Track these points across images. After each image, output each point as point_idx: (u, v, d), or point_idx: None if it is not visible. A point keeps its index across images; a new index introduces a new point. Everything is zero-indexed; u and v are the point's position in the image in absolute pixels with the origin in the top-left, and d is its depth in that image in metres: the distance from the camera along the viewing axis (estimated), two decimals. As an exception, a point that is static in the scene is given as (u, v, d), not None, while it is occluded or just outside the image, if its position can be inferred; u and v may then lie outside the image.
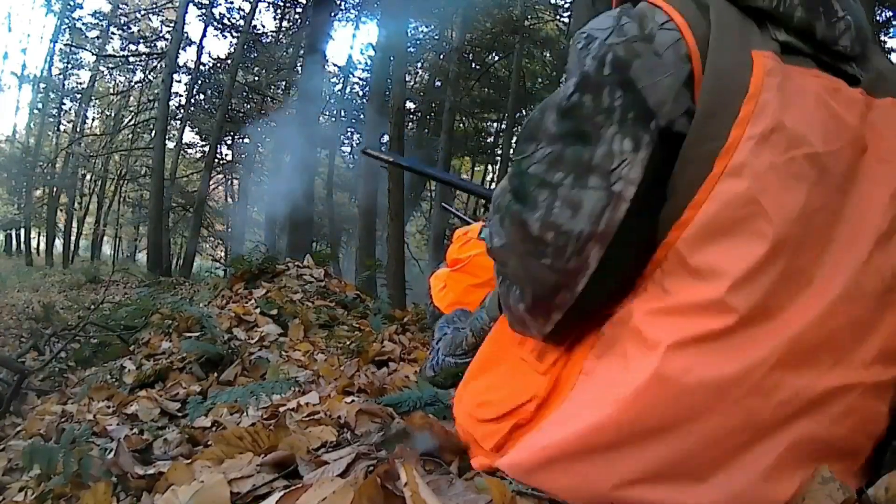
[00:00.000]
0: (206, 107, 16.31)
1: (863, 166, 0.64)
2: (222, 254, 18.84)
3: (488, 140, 17.20)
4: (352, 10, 15.60)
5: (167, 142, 15.51)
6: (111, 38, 18.20)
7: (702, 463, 0.58)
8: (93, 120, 21.89)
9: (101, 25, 17.69)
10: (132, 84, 18.60)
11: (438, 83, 15.09)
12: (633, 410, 0.60)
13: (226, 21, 15.99)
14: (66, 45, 18.38)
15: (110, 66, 18.53)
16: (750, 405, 0.58)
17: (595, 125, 0.63)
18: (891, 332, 0.63)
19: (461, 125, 14.71)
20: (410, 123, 14.94)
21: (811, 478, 0.59)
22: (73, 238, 21.66)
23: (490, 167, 18.79)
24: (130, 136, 19.38)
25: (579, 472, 0.62)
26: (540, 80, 15.40)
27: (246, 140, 16.60)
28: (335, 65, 16.42)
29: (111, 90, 20.00)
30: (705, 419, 0.58)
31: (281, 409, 1.26)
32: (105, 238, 23.01)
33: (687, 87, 0.62)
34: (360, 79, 16.71)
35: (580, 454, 0.62)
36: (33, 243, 21.82)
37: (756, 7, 0.65)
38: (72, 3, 16.89)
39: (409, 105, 14.43)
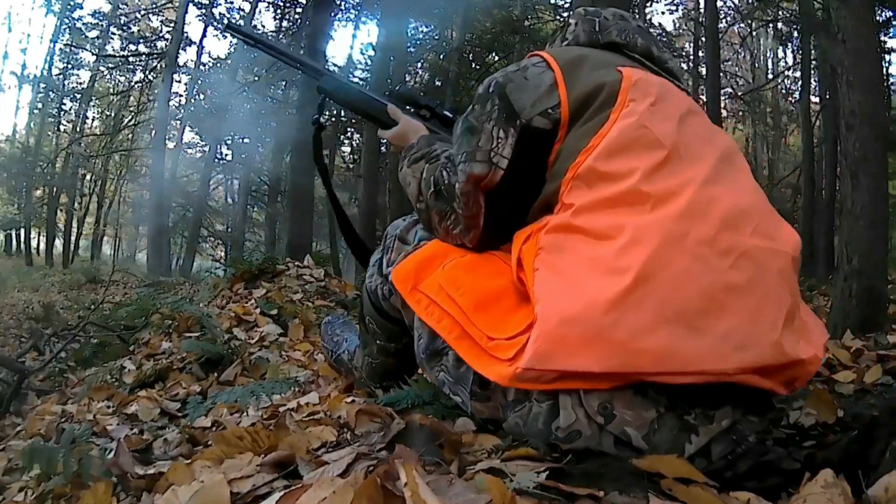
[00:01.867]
0: (206, 107, 16.32)
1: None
2: (222, 254, 18.84)
3: (488, 140, 17.17)
4: (352, 10, 15.60)
5: (167, 142, 15.52)
6: (111, 38, 18.19)
7: (695, 309, 0.74)
8: (93, 120, 21.89)
9: (101, 25, 17.69)
10: (132, 84, 18.60)
11: (438, 83, 15.09)
12: (622, 275, 0.76)
13: (226, 21, 15.99)
14: (66, 45, 18.38)
15: (110, 66, 18.52)
16: (700, 252, 0.77)
17: (480, 122, 0.97)
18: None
19: (461, 125, 14.67)
20: (410, 123, 14.88)
21: (814, 482, 0.59)
22: (73, 238, 21.66)
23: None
24: (130, 136, 19.38)
25: (595, 336, 0.74)
26: (540, 80, 15.39)
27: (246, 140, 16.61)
28: (335, 65, 16.42)
29: (111, 90, 20.00)
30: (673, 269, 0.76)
31: (281, 409, 1.26)
32: (105, 238, 23.01)
33: (546, 96, 0.93)
34: (360, 79, 16.72)
35: (589, 322, 0.75)
36: (33, 243, 21.83)
37: (613, 42, 1.04)
38: (72, 3, 16.89)
39: (409, 105, 14.38)
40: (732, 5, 12.18)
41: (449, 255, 1.02)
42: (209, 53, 17.77)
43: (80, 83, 19.74)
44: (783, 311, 0.77)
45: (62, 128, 20.32)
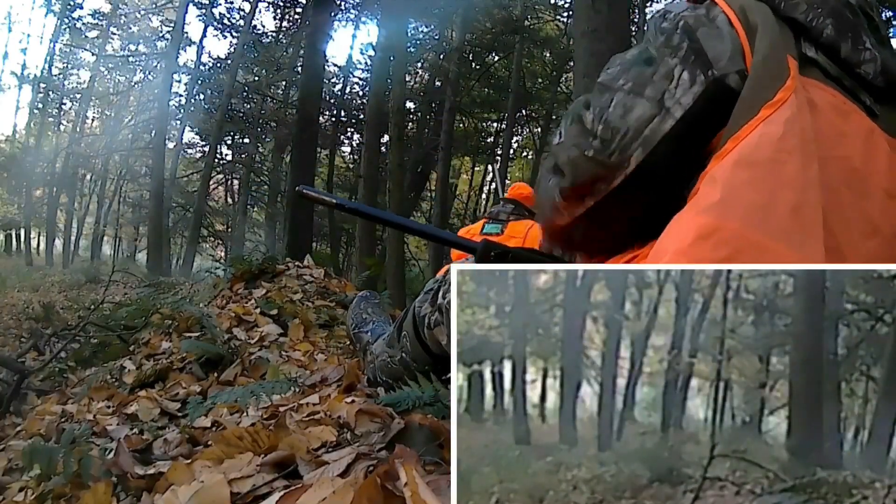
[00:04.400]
0: (206, 107, 16.33)
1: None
2: (222, 254, 18.85)
3: (488, 140, 17.21)
4: (352, 10, 15.62)
5: (167, 142, 15.53)
6: (111, 38, 18.21)
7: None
8: (93, 120, 21.91)
9: (101, 25, 17.71)
10: (132, 84, 18.61)
11: (438, 83, 15.10)
12: None
13: (226, 21, 16.00)
14: (66, 45, 18.39)
15: (110, 66, 18.53)
16: None
17: (661, 54, 0.75)
18: None
19: (461, 125, 14.72)
20: (410, 123, 14.94)
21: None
22: (73, 238, 21.68)
23: (490, 167, 18.80)
24: (130, 136, 19.40)
25: None
26: (540, 80, 15.42)
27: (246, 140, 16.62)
28: (335, 65, 16.44)
29: (111, 90, 20.01)
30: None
31: (281, 409, 1.26)
32: (105, 238, 23.03)
33: (739, 56, 0.73)
34: (360, 79, 16.74)
35: None
36: (33, 243, 21.84)
37: (792, 18, 0.76)
38: (72, 3, 16.90)
39: (409, 105, 14.44)
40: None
41: None
42: (209, 53, 17.77)
43: (80, 83, 19.77)
44: None
45: (62, 128, 20.34)
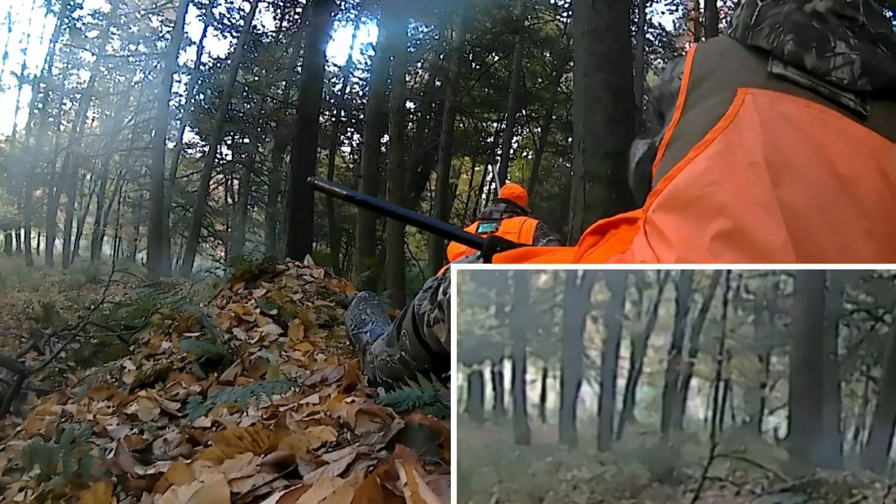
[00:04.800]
0: (206, 107, 16.33)
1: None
2: (222, 254, 18.85)
3: (488, 140, 17.21)
4: (352, 10, 15.62)
5: (167, 142, 15.53)
6: (111, 38, 18.22)
7: None
8: (93, 120, 21.91)
9: (101, 25, 17.71)
10: (132, 84, 18.62)
11: (438, 83, 15.09)
12: None
13: (226, 21, 16.00)
14: (66, 45, 18.39)
15: (110, 66, 18.54)
16: None
17: (647, 119, 0.94)
18: None
19: (461, 125, 14.71)
20: (410, 123, 14.94)
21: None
22: (73, 238, 21.68)
23: (490, 167, 18.79)
24: (130, 136, 19.40)
25: None
26: (540, 80, 15.42)
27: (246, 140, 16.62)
28: (335, 65, 16.44)
29: (111, 90, 20.02)
30: None
31: (281, 409, 1.26)
32: (105, 238, 23.03)
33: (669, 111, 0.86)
34: (360, 79, 16.74)
35: None
36: (33, 243, 21.84)
37: (756, 45, 0.81)
38: (72, 3, 16.90)
39: (409, 105, 14.44)
40: (733, 5, 12.19)
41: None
42: (209, 53, 17.78)
43: (80, 83, 19.78)
44: None
45: (62, 128, 20.35)
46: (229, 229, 18.83)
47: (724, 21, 11.39)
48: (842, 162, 0.72)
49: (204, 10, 15.64)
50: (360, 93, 16.45)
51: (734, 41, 0.84)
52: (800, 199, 0.71)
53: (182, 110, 16.52)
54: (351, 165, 17.85)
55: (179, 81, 16.51)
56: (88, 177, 21.52)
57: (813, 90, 0.76)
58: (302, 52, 12.64)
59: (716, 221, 0.71)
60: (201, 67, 16.46)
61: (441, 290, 1.19)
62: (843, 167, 0.72)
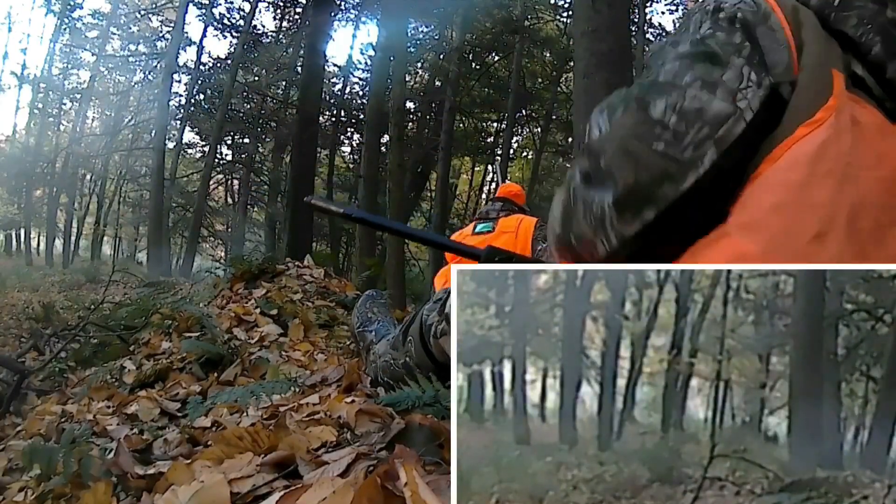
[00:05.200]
0: (206, 107, 16.33)
1: None
2: (222, 254, 18.85)
3: (488, 140, 17.21)
4: (352, 10, 15.62)
5: (167, 142, 15.53)
6: (111, 38, 18.22)
7: None
8: (93, 120, 21.93)
9: (101, 25, 17.71)
10: (132, 84, 18.62)
11: (438, 83, 15.10)
12: None
13: (226, 21, 16.01)
14: (66, 45, 18.40)
15: (110, 66, 18.54)
16: None
17: (726, 52, 0.69)
18: None
19: (461, 125, 14.72)
20: (410, 123, 14.94)
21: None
22: (73, 238, 21.68)
23: (490, 167, 18.80)
24: (130, 136, 19.40)
25: None
26: (540, 80, 15.42)
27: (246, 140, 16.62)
28: (335, 65, 16.45)
29: (111, 90, 20.02)
30: None
31: (281, 409, 1.26)
32: (105, 238, 23.04)
33: (791, 66, 0.69)
34: (360, 79, 16.74)
35: None
36: (33, 243, 21.85)
37: (842, 31, 0.71)
38: (72, 3, 16.90)
39: (409, 105, 14.44)
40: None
41: None
42: (209, 53, 17.78)
43: (80, 83, 19.78)
44: None
45: (62, 128, 20.36)
46: (229, 229, 18.83)
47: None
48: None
49: (204, 10, 15.64)
50: (360, 93, 16.46)
51: (810, 11, 0.73)
52: (863, 214, 0.66)
53: (182, 110, 16.52)
54: (351, 165, 17.85)
55: (179, 81, 16.53)
56: (88, 177, 21.52)
57: (880, 102, 0.71)
58: (302, 52, 12.64)
59: (809, 219, 0.65)
60: (201, 67, 16.46)
61: (449, 303, 1.20)
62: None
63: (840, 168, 0.65)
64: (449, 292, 1.23)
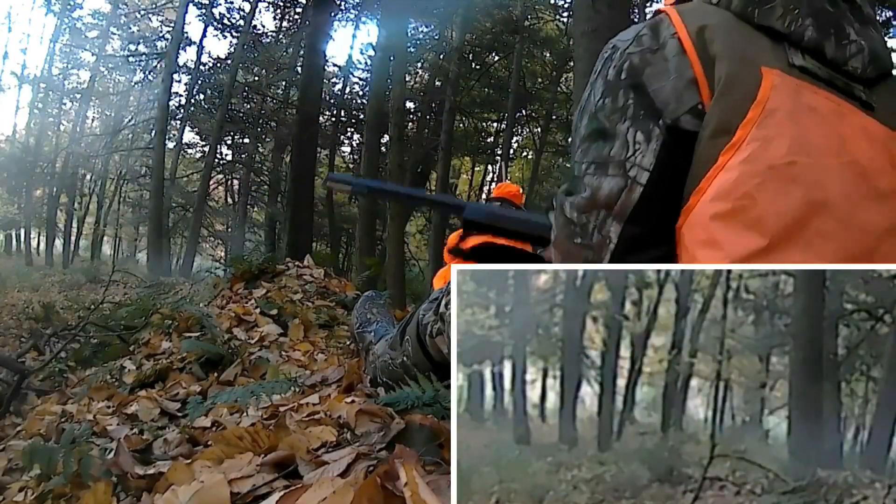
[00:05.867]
0: (206, 107, 16.33)
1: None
2: (222, 254, 18.85)
3: (488, 140, 17.21)
4: (352, 10, 15.61)
5: (167, 142, 15.53)
6: (111, 38, 18.22)
7: None
8: (93, 120, 21.93)
9: (101, 25, 17.72)
10: (132, 84, 18.62)
11: (438, 83, 15.10)
12: None
13: (226, 21, 16.00)
14: (66, 45, 18.40)
15: (110, 66, 18.54)
16: None
17: (612, 123, 0.73)
18: None
19: (461, 125, 14.72)
20: (410, 123, 14.94)
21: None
22: (73, 238, 21.68)
23: (490, 167, 18.80)
24: (130, 136, 19.40)
25: None
26: (540, 80, 15.42)
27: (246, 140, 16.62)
28: (335, 65, 16.45)
29: (111, 90, 20.02)
30: None
31: (281, 409, 1.26)
32: (105, 238, 23.04)
33: (691, 90, 0.69)
34: (360, 79, 16.74)
35: None
36: (33, 243, 21.85)
37: (770, 27, 0.71)
38: (72, 3, 16.90)
39: (409, 105, 14.43)
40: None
41: None
42: (209, 53, 17.78)
43: (80, 83, 19.78)
44: None
45: (62, 128, 20.36)
46: (229, 229, 18.82)
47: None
48: (865, 158, 0.68)
49: (204, 10, 15.63)
50: (360, 93, 16.46)
51: (731, 14, 0.72)
52: (831, 199, 0.66)
53: (182, 110, 16.52)
54: (351, 165, 17.85)
55: (179, 81, 16.52)
56: (88, 177, 21.52)
57: (829, 82, 0.70)
58: (302, 52, 12.64)
59: (751, 238, 0.65)
60: (201, 67, 16.45)
61: (444, 302, 1.20)
62: (867, 163, 0.69)
63: (777, 171, 0.65)
64: (444, 291, 1.23)
